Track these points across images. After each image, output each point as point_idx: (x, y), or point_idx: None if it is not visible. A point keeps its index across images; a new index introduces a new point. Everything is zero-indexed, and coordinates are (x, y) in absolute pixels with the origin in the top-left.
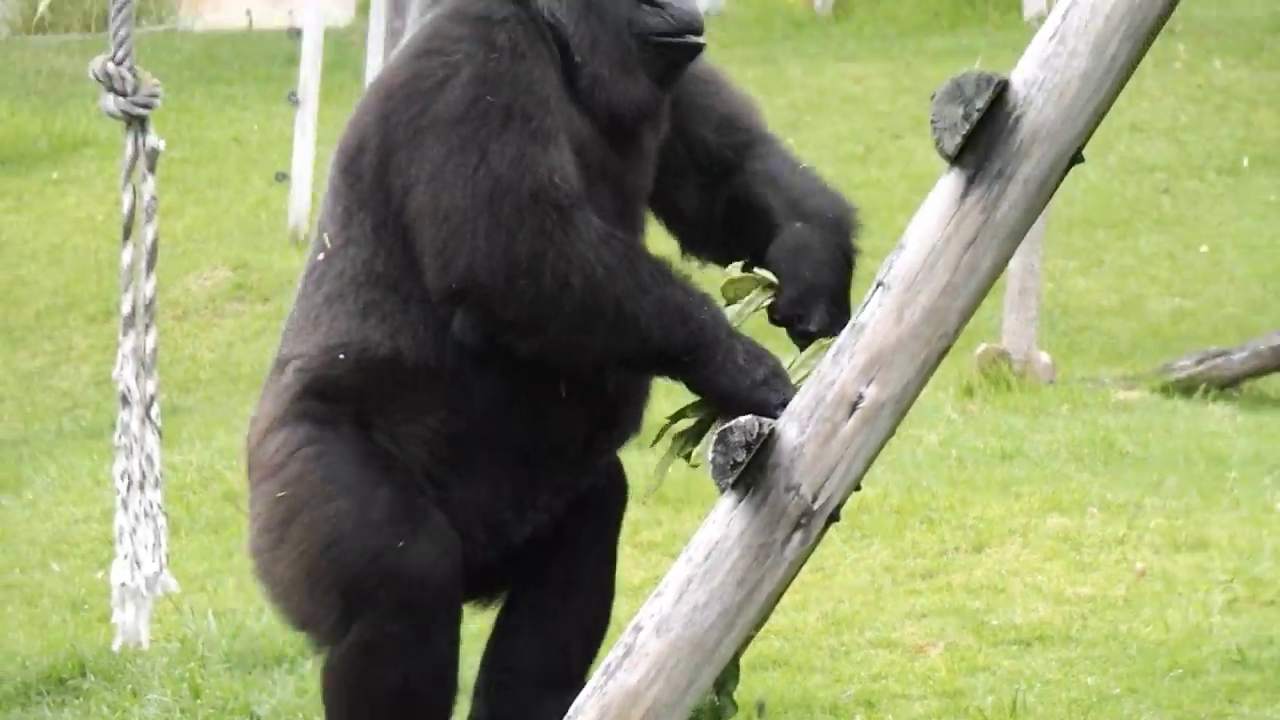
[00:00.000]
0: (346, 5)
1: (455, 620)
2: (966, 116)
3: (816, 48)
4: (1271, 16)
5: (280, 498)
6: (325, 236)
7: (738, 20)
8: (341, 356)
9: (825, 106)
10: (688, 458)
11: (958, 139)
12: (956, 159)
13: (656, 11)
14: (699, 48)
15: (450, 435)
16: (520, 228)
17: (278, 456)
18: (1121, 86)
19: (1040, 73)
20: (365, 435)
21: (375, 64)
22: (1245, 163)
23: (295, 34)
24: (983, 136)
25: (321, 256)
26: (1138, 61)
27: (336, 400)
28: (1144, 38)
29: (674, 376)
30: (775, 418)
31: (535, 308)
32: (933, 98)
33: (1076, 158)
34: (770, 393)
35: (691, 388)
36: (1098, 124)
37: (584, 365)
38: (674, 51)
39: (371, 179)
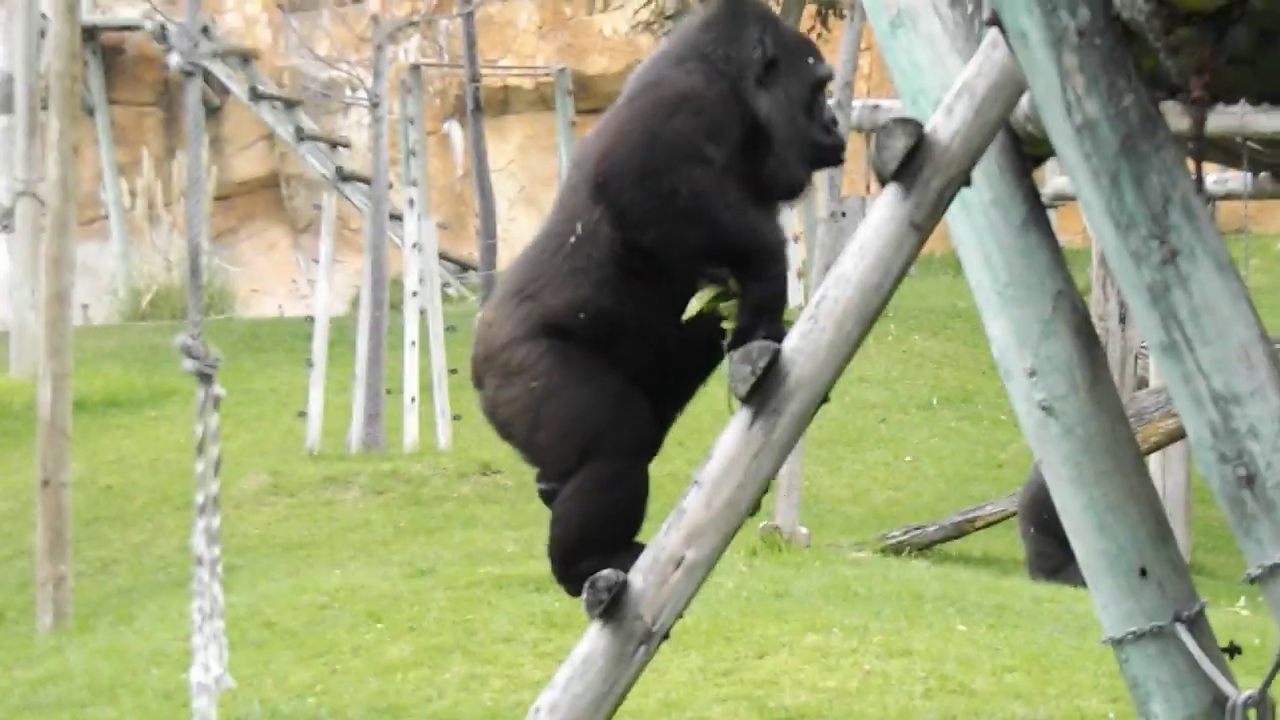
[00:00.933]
0: (343, 301)
1: (647, 465)
2: (753, 372)
3: None
4: (950, 306)
5: (533, 387)
6: (578, 225)
7: None
8: (581, 315)
9: None
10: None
11: (747, 387)
12: (746, 400)
13: (830, 135)
14: (842, 160)
15: (640, 357)
16: (660, 151)
17: (528, 360)
18: (854, 352)
19: (801, 343)
20: (591, 350)
21: (364, 342)
22: (935, 402)
23: (310, 320)
24: (764, 385)
25: (574, 239)
26: (865, 335)
27: (569, 335)
28: (869, 320)
29: (742, 273)
30: (781, 338)
31: (652, 204)
32: (731, 358)
33: (825, 399)
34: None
35: (743, 289)
36: (839, 375)
37: (686, 257)
38: (828, 160)
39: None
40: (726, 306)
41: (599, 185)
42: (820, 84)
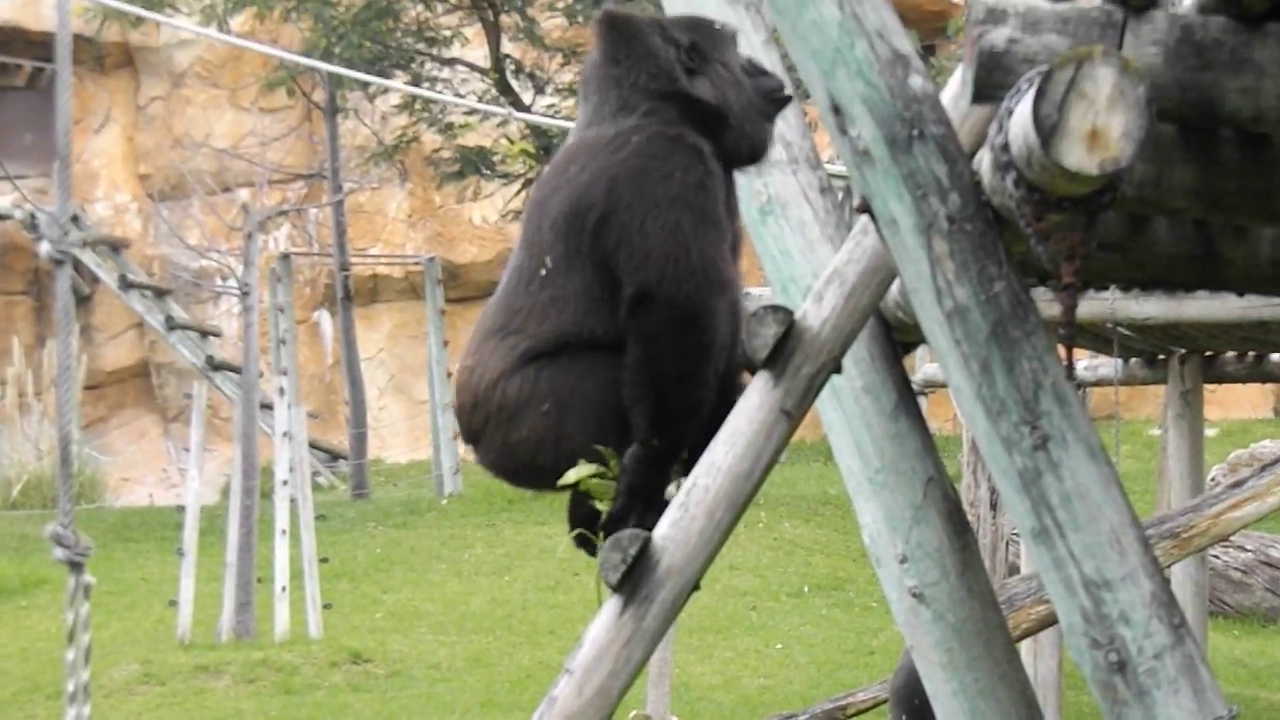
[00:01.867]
0: (214, 489)
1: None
2: (624, 560)
3: (522, 516)
4: (821, 493)
5: (546, 410)
6: (546, 259)
7: (469, 497)
8: (570, 342)
9: (527, 554)
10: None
11: (618, 575)
12: (617, 588)
13: (768, 79)
14: (790, 98)
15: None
16: (697, 283)
17: (526, 388)
18: (725, 539)
19: (672, 530)
20: (582, 359)
21: (234, 530)
22: (806, 590)
23: (181, 509)
24: (635, 573)
25: (544, 272)
26: (736, 522)
27: (558, 358)
28: (740, 507)
29: (648, 435)
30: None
31: (672, 324)
32: (599, 547)
33: (696, 586)
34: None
35: (633, 459)
36: (710, 563)
37: (648, 371)
38: (782, 101)
39: (590, 232)
40: (600, 486)
41: (638, 296)
42: (734, 39)
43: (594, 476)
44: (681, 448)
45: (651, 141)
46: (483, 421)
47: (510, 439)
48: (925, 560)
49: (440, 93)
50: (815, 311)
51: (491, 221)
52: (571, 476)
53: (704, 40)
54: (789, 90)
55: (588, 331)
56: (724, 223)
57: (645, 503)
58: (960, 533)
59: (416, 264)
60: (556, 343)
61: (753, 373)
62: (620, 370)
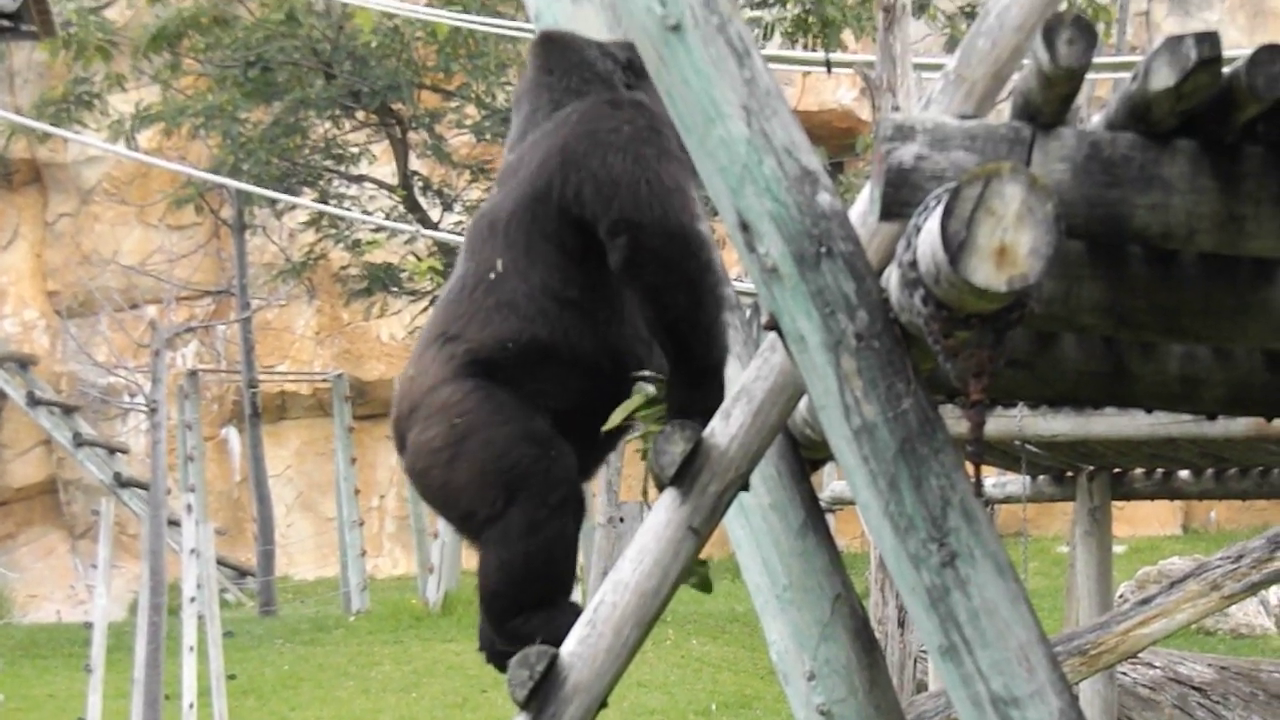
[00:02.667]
0: (122, 606)
1: (580, 510)
2: (531, 677)
3: (430, 633)
4: (729, 610)
5: (455, 424)
6: (498, 262)
7: (377, 615)
8: (509, 346)
9: (435, 671)
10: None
11: (525, 691)
12: (524, 705)
13: None
14: None
15: (567, 394)
16: (676, 209)
17: (453, 398)
18: (632, 656)
19: (579, 647)
20: (517, 390)
21: (142, 647)
22: (713, 707)
23: (89, 626)
24: (542, 690)
25: (494, 276)
26: (643, 640)
27: (495, 371)
28: (647, 624)
29: (686, 369)
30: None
31: (666, 248)
32: (509, 663)
33: (603, 704)
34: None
35: (675, 386)
36: (617, 680)
37: (665, 318)
38: None
39: (555, 201)
40: (650, 413)
41: (618, 224)
42: None
43: (642, 407)
44: (718, 363)
45: (593, 108)
46: (410, 427)
47: (420, 440)
48: (833, 677)
49: (348, 209)
50: (723, 429)
51: (399, 339)
52: (619, 414)
53: (640, 60)
54: None
55: (529, 336)
56: (687, 160)
57: (702, 418)
58: (868, 650)
59: (324, 381)
60: (496, 347)
61: (660, 489)
62: (546, 426)
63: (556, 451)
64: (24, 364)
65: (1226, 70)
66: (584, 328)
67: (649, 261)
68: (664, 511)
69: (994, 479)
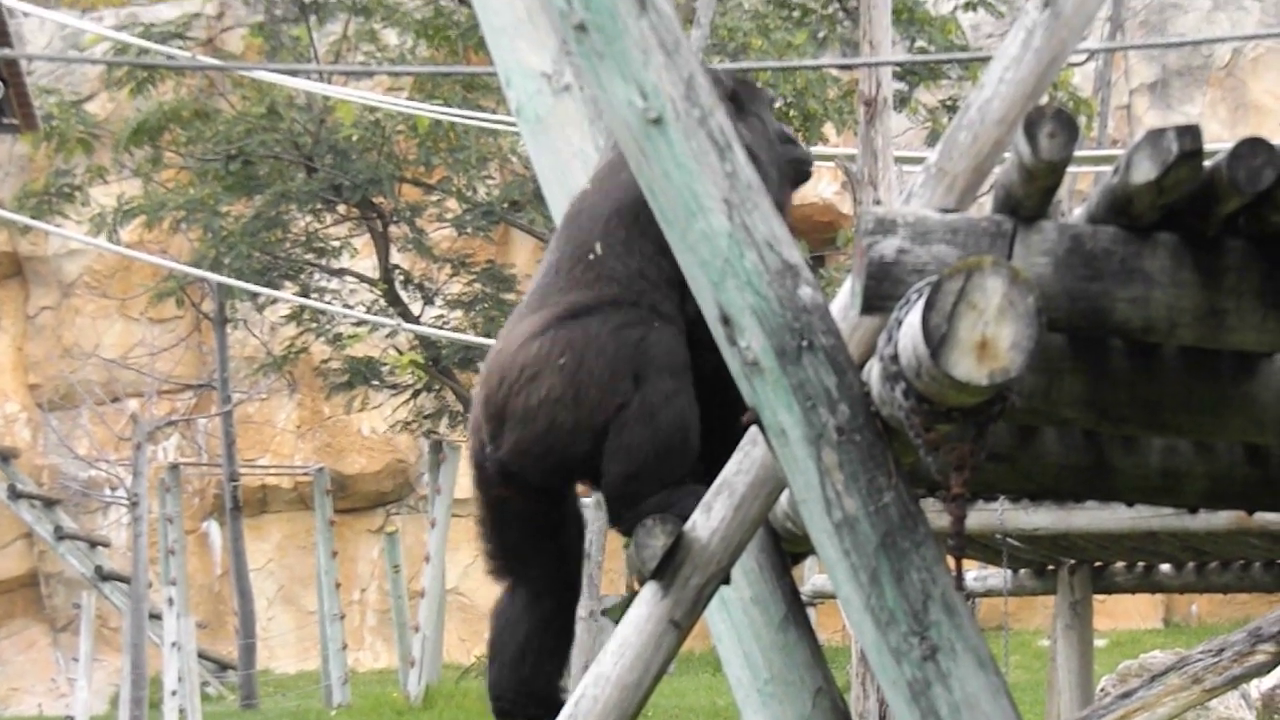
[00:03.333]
0: (103, 700)
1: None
2: (663, 545)
3: None
4: (711, 705)
5: (563, 364)
6: (596, 245)
7: (358, 708)
8: (591, 307)
9: None
10: None
11: (656, 562)
12: (656, 575)
13: (798, 149)
14: (810, 175)
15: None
16: None
17: (545, 345)
18: None
19: None
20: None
21: None
22: None
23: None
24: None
25: (592, 257)
26: None
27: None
28: (629, 718)
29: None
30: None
31: None
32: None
33: None
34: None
35: None
36: None
37: None
38: (806, 174)
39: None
40: None
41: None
42: (771, 103)
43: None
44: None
45: None
46: (505, 395)
47: (530, 403)
48: None
49: (329, 303)
50: (704, 522)
51: (380, 432)
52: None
53: (745, 93)
54: (813, 168)
55: (612, 297)
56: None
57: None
58: None
59: (305, 474)
60: (579, 309)
61: (642, 583)
62: (635, 321)
63: (660, 329)
64: (5, 457)
65: (1208, 164)
66: (677, 313)
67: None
68: (645, 605)
69: (975, 572)
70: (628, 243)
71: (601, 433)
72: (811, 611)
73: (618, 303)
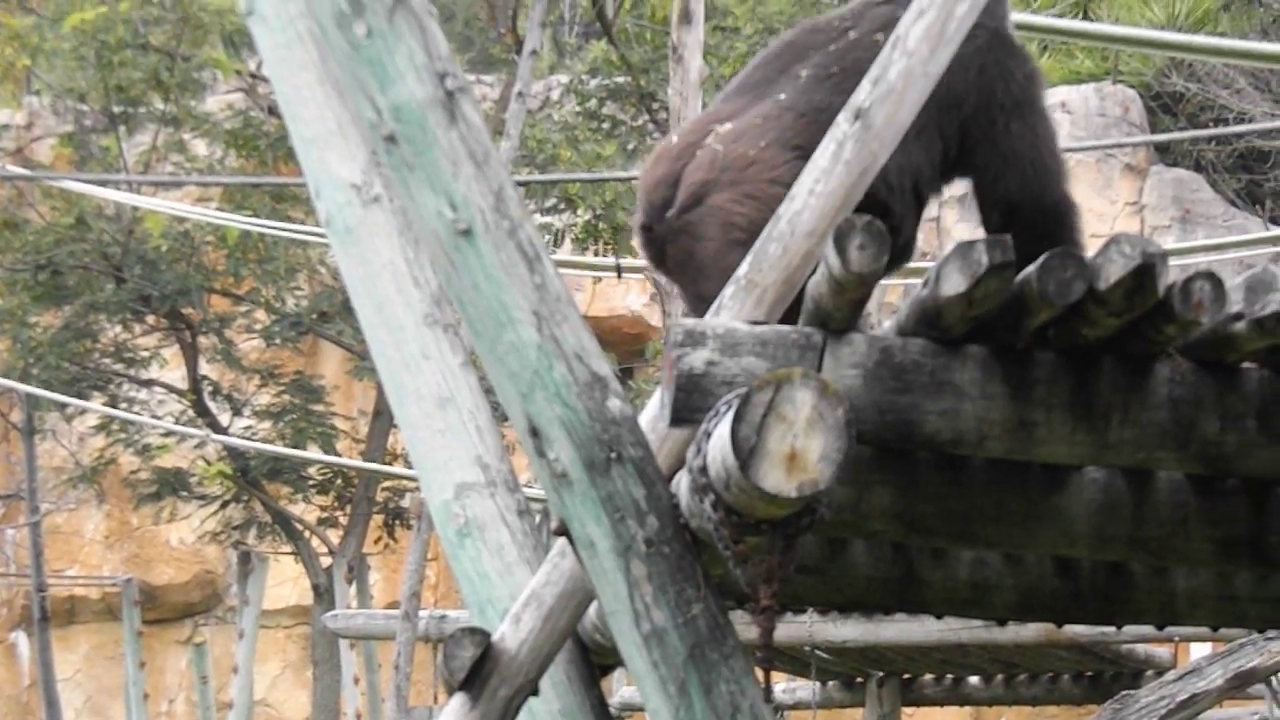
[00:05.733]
0: None
1: None
2: None
3: None
4: None
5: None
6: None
7: None
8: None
9: None
10: None
11: None
12: None
13: None
14: None
15: None
16: (1054, 185)
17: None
18: None
19: None
20: None
21: None
22: None
23: None
24: None
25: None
26: None
27: None
28: None
29: None
30: None
31: (1040, 222)
32: None
33: None
34: None
35: None
36: None
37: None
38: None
39: (938, 129)
40: None
41: (1021, 221)
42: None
43: None
44: None
45: (999, 41)
46: (717, 175)
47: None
48: None
49: (138, 414)
50: (513, 633)
51: (189, 543)
52: None
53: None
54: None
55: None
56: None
57: None
58: None
59: (114, 585)
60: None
61: (450, 693)
62: None
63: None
64: None
65: (1018, 276)
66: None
67: (1021, 231)
68: (453, 716)
69: (784, 685)
70: (919, 138)
71: None
72: None
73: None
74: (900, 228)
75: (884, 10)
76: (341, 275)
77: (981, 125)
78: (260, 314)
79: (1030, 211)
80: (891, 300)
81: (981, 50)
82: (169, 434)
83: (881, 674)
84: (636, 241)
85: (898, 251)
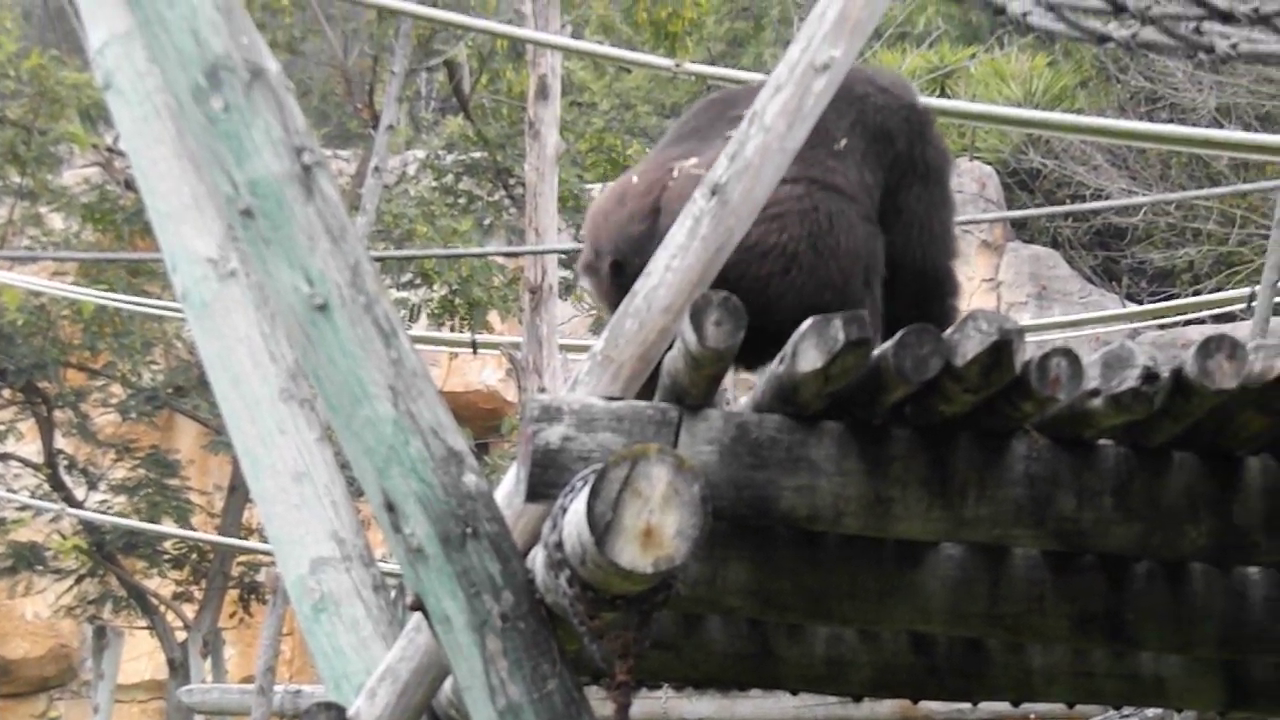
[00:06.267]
0: None
1: None
2: None
3: None
4: None
5: (815, 220)
6: (841, 141)
7: None
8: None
9: None
10: None
11: None
12: None
13: None
14: None
15: None
16: (936, 254)
17: (807, 198)
18: None
19: None
20: None
21: None
22: None
23: None
24: None
25: (839, 147)
26: None
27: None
28: None
29: None
30: None
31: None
32: None
33: None
34: None
35: None
36: None
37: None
38: None
39: (880, 183)
40: None
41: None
42: None
43: None
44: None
45: (923, 113)
46: None
47: (765, 237)
48: None
49: None
50: (368, 709)
51: (44, 617)
52: None
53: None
54: None
55: (853, 193)
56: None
57: None
58: None
59: None
60: (830, 183)
61: None
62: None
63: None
64: None
65: (875, 352)
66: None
67: (901, 292)
68: None
69: None
70: (864, 160)
71: (816, 306)
72: None
73: (859, 201)
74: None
75: None
76: (198, 350)
77: (891, 186)
78: (116, 388)
79: (911, 275)
80: (747, 377)
81: (905, 120)
82: (24, 508)
83: None
84: (591, 283)
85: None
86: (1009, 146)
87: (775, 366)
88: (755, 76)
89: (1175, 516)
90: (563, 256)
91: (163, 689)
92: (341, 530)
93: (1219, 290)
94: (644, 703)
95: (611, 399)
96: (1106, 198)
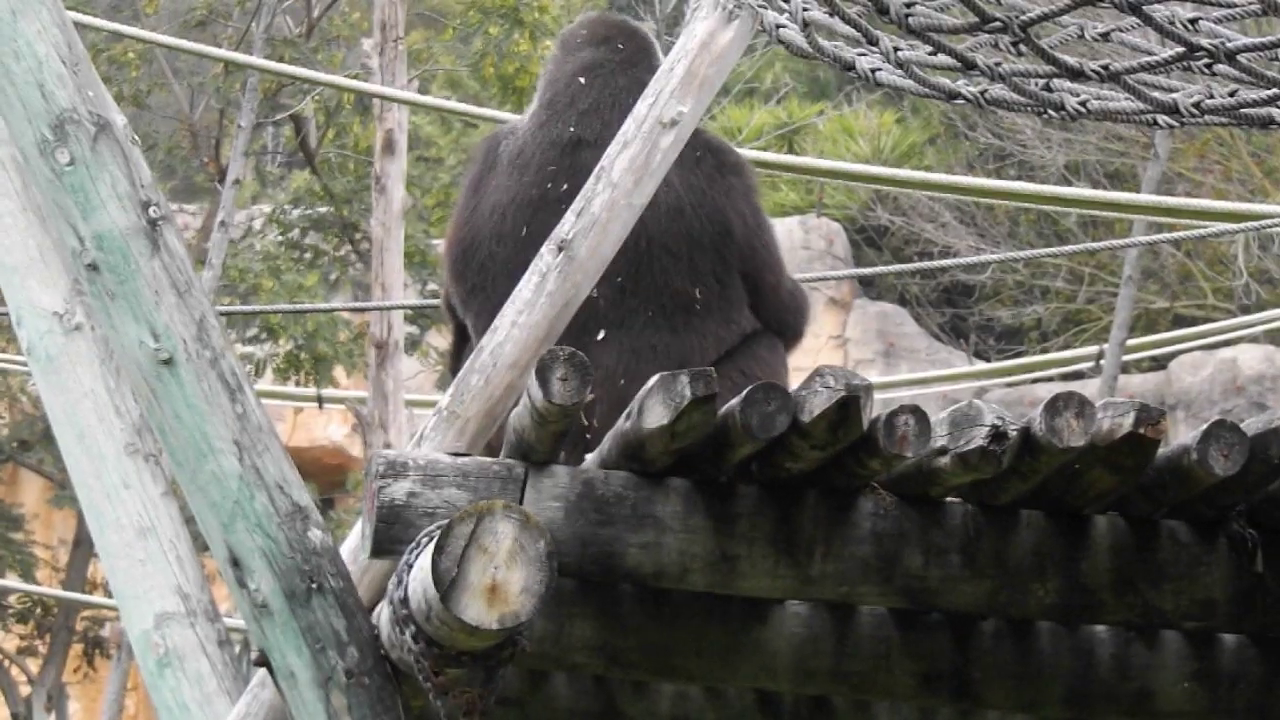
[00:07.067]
0: None
1: None
2: None
3: None
4: None
5: None
6: (696, 291)
7: None
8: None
9: None
10: None
11: None
12: None
13: None
14: None
15: None
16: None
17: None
18: None
19: None
20: None
21: None
22: None
23: None
24: None
25: (698, 306)
26: None
27: None
28: None
29: None
30: None
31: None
32: None
33: None
34: None
35: None
36: None
37: None
38: None
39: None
40: None
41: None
42: None
43: None
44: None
45: (728, 152)
46: None
47: None
48: None
49: None
50: None
51: None
52: None
53: None
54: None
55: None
56: None
57: None
58: None
59: None
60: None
61: None
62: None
63: None
64: None
65: (721, 409)
66: None
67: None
68: None
69: None
70: (720, 276)
71: None
72: None
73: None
74: None
75: None
76: (43, 403)
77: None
78: None
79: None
80: None
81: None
82: None
83: None
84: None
85: None
86: (857, 203)
87: (621, 423)
88: None
89: (1022, 575)
90: (409, 313)
91: None
92: (186, 585)
93: (1067, 348)
94: None
95: (457, 454)
96: (954, 255)
